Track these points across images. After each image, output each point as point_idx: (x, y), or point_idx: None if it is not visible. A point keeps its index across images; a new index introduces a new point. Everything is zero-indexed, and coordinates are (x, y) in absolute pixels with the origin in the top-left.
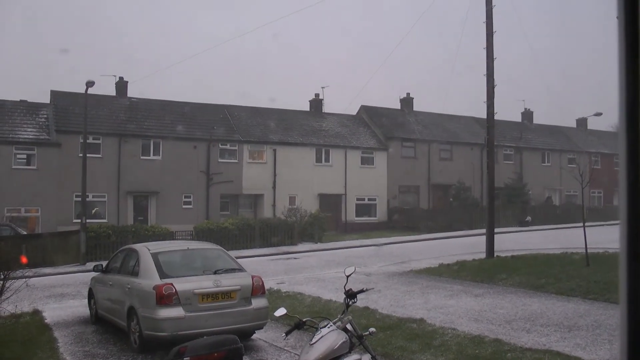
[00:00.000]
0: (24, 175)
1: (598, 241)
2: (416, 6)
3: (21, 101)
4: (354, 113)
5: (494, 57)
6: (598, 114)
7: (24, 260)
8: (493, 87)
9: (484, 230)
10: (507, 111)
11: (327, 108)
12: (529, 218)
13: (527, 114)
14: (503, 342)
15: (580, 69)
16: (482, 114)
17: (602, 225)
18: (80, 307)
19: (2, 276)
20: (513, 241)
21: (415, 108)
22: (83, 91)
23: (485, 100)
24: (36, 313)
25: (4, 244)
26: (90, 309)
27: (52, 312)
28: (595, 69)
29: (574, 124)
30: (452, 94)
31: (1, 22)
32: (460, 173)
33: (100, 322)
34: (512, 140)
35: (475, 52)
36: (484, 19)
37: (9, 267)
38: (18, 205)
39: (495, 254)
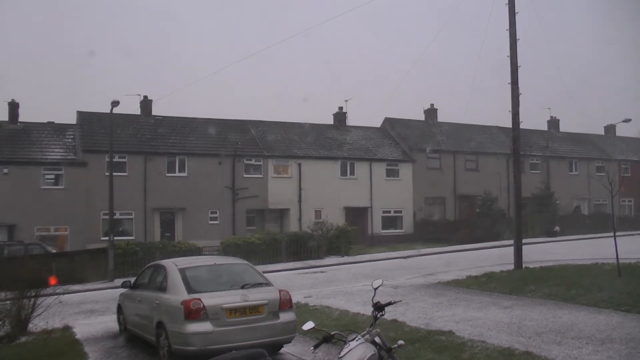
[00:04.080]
0: (52, 195)
1: (630, 251)
2: (438, 17)
3: (48, 123)
4: (378, 125)
5: (518, 65)
6: (627, 120)
7: (53, 281)
8: (518, 96)
9: (511, 241)
10: (533, 120)
11: (350, 121)
12: (557, 228)
13: (554, 122)
14: (533, 354)
15: (608, 74)
16: (508, 123)
17: (634, 234)
18: (109, 322)
19: (33, 294)
20: (541, 252)
21: (440, 119)
22: (108, 111)
23: (510, 109)
24: (67, 329)
25: (34, 262)
26: (119, 325)
27: (82, 328)
28: (623, 74)
29: (602, 131)
30: (477, 104)
31: (28, 46)
32: (487, 183)
33: (130, 337)
34: (539, 149)
35: (499, 61)
36: (507, 27)
37: (39, 285)
38: (47, 224)
39: (523, 265)
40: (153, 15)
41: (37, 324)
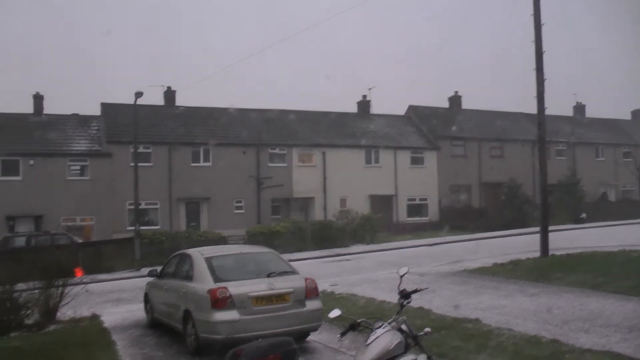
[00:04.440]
0: (78, 186)
1: None
2: (461, 3)
3: (73, 114)
4: (402, 113)
5: (543, 51)
6: None
7: (79, 273)
8: (543, 82)
9: (537, 229)
10: (558, 105)
11: (374, 109)
12: (584, 215)
13: (579, 108)
14: (561, 342)
15: (633, 57)
16: (533, 109)
17: None
18: (136, 311)
19: (61, 283)
20: (568, 239)
21: (464, 106)
22: (132, 102)
23: (535, 95)
24: (94, 317)
25: (61, 252)
26: (146, 313)
27: (109, 317)
28: None
29: (629, 116)
30: (501, 90)
31: (51, 38)
32: (512, 170)
33: (157, 325)
34: (564, 136)
35: (524, 46)
36: (532, 12)
37: (66, 275)
38: (73, 214)
39: (550, 253)
40: (174, 5)
41: (65, 313)
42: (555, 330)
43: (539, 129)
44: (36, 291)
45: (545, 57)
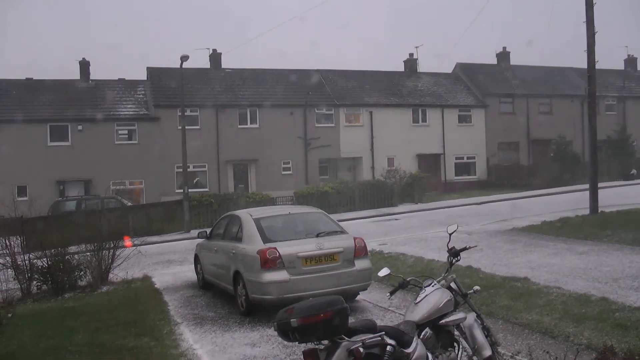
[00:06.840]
0: (126, 150)
1: None
2: None
3: (119, 79)
4: (450, 71)
5: (594, 3)
6: None
7: (128, 244)
8: (593, 35)
9: (586, 186)
10: (609, 59)
11: (421, 68)
12: (634, 171)
13: (631, 61)
14: (610, 300)
15: None
16: (582, 63)
17: None
18: (187, 272)
19: (112, 245)
20: (618, 196)
21: (512, 62)
22: (178, 66)
23: (585, 49)
24: (146, 279)
25: (111, 215)
26: (197, 274)
27: (160, 278)
28: None
29: None
30: (550, 45)
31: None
32: (561, 127)
33: (207, 286)
34: (615, 90)
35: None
36: None
37: (117, 237)
38: (122, 178)
39: (599, 210)
40: None
41: (118, 274)
42: (605, 288)
43: (589, 83)
44: (88, 254)
45: (595, 8)
